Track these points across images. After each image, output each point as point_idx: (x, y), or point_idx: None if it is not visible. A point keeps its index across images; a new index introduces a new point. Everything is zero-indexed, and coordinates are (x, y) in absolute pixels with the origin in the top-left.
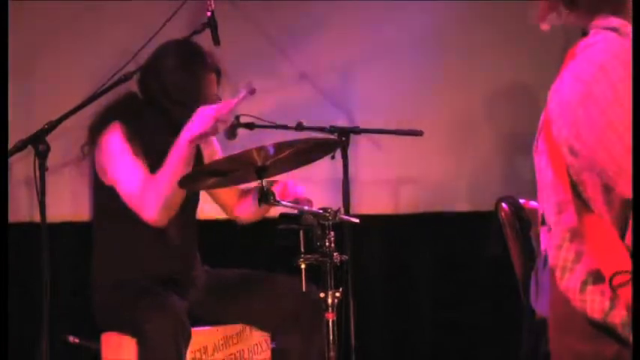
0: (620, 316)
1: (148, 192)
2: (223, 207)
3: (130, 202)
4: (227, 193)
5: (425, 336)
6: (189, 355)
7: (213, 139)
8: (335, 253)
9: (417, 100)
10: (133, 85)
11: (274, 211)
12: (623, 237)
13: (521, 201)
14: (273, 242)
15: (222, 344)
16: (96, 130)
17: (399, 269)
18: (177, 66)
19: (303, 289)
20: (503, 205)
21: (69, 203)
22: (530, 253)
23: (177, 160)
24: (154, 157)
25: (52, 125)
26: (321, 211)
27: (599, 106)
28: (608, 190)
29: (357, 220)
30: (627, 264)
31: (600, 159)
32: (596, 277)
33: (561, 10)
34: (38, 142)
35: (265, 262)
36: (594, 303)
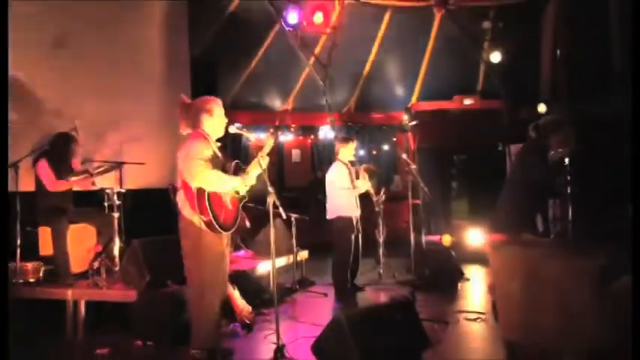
0: (198, 218)
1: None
2: None
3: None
4: None
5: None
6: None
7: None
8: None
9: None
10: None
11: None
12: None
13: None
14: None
15: (79, 229)
16: (35, 159)
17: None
18: (62, 143)
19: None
20: (170, 186)
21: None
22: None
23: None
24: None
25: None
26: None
27: (188, 158)
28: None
29: (123, 190)
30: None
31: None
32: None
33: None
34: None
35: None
36: (195, 216)
